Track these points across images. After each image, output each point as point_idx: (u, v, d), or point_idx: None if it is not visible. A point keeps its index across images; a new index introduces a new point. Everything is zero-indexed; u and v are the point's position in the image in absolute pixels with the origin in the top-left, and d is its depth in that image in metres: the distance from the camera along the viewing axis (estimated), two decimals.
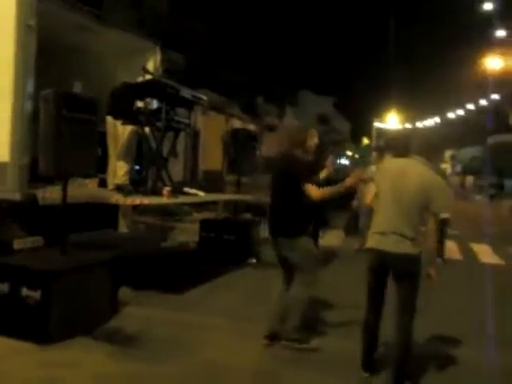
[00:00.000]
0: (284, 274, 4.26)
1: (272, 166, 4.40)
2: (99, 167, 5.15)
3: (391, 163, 3.78)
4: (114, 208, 6.40)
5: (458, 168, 51.74)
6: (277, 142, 4.38)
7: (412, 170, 3.50)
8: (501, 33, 27.83)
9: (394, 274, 3.48)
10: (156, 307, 4.88)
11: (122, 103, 5.71)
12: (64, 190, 4.20)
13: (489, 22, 27.01)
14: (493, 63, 31.30)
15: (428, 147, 3.63)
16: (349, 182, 4.00)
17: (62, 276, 3.93)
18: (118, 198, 5.19)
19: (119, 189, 5.68)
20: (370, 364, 3.63)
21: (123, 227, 7.25)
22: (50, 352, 3.68)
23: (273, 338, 4.09)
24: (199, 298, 5.35)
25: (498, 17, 26.91)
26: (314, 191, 3.95)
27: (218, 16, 23.52)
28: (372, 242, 3.55)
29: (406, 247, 3.39)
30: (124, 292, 4.98)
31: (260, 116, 31.68)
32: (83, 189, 5.91)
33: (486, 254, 9.81)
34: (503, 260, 9.31)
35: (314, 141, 4.21)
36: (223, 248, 7.07)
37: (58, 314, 3.86)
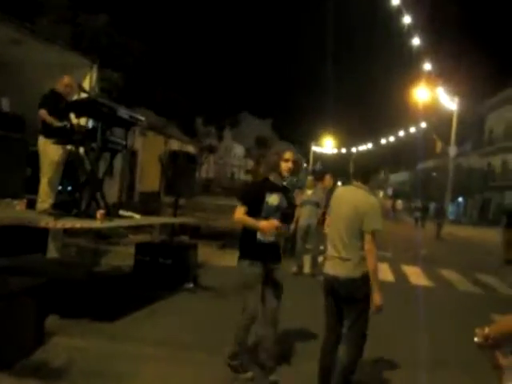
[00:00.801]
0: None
1: None
2: (28, 188, 4.87)
3: (337, 191, 3.93)
4: (44, 231, 6.07)
5: (390, 191, 54.11)
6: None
7: (350, 196, 3.64)
8: (427, 66, 29.62)
9: (341, 298, 3.55)
10: (87, 337, 4.61)
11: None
12: None
13: (418, 54, 28.68)
14: (421, 94, 33.22)
15: (367, 171, 3.72)
16: (263, 227, 3.89)
17: None
18: (47, 221, 4.93)
19: (49, 211, 5.40)
20: None
21: (53, 251, 6.88)
22: None
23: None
24: (133, 326, 5.13)
25: (426, 50, 28.65)
26: (235, 214, 3.96)
27: (159, 35, 23.42)
28: (324, 266, 3.69)
29: (347, 271, 3.48)
30: (52, 321, 4.68)
31: (199, 137, 31.62)
32: (10, 210, 5.57)
33: (416, 276, 10.20)
34: (433, 282, 9.72)
35: (287, 165, 4.01)
36: (159, 272, 6.86)
37: None
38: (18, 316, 3.94)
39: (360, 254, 3.49)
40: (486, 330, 1.82)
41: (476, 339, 1.84)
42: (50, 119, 5.64)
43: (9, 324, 3.83)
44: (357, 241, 3.50)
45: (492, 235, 16.31)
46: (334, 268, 3.56)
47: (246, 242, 4.01)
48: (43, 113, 5.66)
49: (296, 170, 4.07)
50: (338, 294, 3.57)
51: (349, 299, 3.52)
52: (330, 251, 3.64)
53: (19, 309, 3.96)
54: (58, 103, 5.71)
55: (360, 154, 5.23)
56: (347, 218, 3.52)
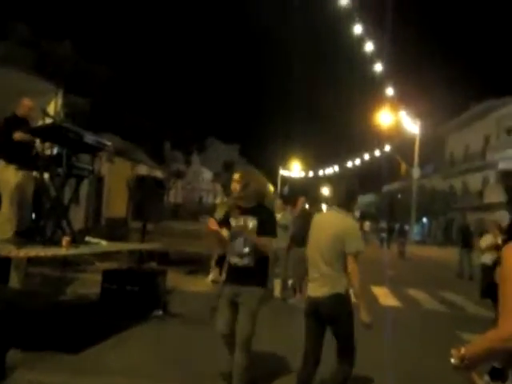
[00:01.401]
0: None
1: None
2: None
3: (316, 217, 4.04)
4: (6, 260, 5.85)
5: (357, 213, 54.87)
6: None
7: (331, 220, 3.77)
8: (390, 91, 30.58)
9: (326, 319, 3.60)
10: (49, 371, 4.42)
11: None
12: None
13: (381, 80, 29.61)
14: (384, 117, 34.18)
15: (350, 196, 3.83)
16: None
17: None
18: (10, 250, 4.76)
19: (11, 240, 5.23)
20: None
21: (15, 282, 6.62)
22: None
23: None
24: (99, 357, 4.95)
25: (387, 75, 29.61)
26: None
27: (125, 60, 23.41)
28: (308, 290, 3.76)
29: (331, 288, 3.56)
30: (13, 355, 4.46)
31: (167, 162, 31.48)
32: None
33: (385, 296, 10.30)
34: (401, 302, 9.83)
35: (234, 185, 4.22)
36: (127, 300, 6.69)
37: None
38: None
39: (342, 274, 3.57)
40: (462, 350, 1.84)
41: (452, 360, 1.85)
42: (29, 137, 5.50)
43: None
44: (339, 263, 3.58)
45: (455, 254, 16.74)
46: (316, 290, 3.64)
47: (223, 264, 4.12)
48: (20, 135, 5.50)
49: (245, 190, 4.06)
50: (322, 315, 3.61)
51: (334, 318, 3.57)
52: (312, 274, 3.71)
53: None
54: (22, 127, 5.59)
55: (338, 179, 5.61)
56: (330, 241, 3.61)
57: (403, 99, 31.79)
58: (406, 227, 28.42)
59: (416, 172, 32.31)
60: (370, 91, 38.19)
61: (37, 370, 4.36)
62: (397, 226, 27.54)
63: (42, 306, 6.82)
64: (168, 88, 31.01)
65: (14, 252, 4.75)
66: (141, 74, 25.97)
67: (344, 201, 3.76)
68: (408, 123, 33.20)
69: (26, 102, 5.88)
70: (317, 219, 3.96)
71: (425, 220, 43.95)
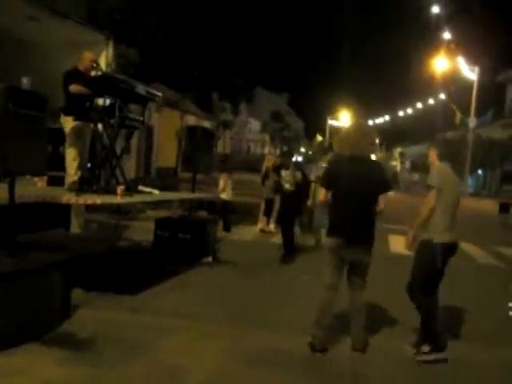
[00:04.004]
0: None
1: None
2: (50, 165, 4.95)
3: (446, 168, 4.25)
4: (66, 207, 6.19)
5: (407, 164, 53.51)
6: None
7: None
8: (447, 35, 28.90)
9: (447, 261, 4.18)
10: (110, 309, 4.75)
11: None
12: (11, 188, 4.01)
13: (437, 24, 27.98)
14: (440, 64, 32.47)
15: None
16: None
17: (10, 279, 3.75)
18: (69, 198, 5.02)
19: (71, 188, 5.50)
20: None
21: (76, 227, 7.02)
22: None
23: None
24: (155, 299, 5.25)
25: (445, 19, 27.92)
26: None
27: (174, 9, 23.14)
28: (449, 236, 4.11)
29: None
30: (77, 294, 4.81)
31: (215, 112, 31.48)
32: (32, 188, 5.68)
33: None
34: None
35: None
36: (178, 247, 6.96)
37: (6, 319, 3.68)
38: (44, 290, 4.06)
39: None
40: None
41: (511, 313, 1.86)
42: (84, 90, 5.67)
43: (36, 298, 3.96)
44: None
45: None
46: (454, 235, 4.16)
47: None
48: (74, 87, 5.68)
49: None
50: (447, 258, 4.13)
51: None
52: (450, 222, 4.11)
53: (46, 283, 4.08)
54: (80, 80, 5.74)
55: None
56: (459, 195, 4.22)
57: (461, 44, 30.00)
58: None
59: (472, 121, 30.86)
60: (425, 36, 36.23)
61: (98, 309, 4.69)
62: None
63: (101, 251, 7.22)
64: (216, 37, 30.55)
65: (73, 199, 5.00)
66: (189, 23, 25.65)
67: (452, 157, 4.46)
68: (465, 69, 31.43)
69: (87, 55, 5.99)
70: (450, 173, 4.19)
71: (480, 172, 42.32)
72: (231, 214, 10.71)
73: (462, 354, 4.28)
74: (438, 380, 3.95)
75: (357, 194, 4.04)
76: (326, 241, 4.19)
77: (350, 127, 4.47)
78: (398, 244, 9.27)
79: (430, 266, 4.08)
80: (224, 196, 10.24)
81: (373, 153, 4.34)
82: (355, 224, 4.05)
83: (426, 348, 4.13)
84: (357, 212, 4.04)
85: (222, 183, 10.28)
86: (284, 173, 8.07)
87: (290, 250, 7.80)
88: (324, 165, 9.40)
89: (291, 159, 8.57)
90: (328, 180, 4.26)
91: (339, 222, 4.11)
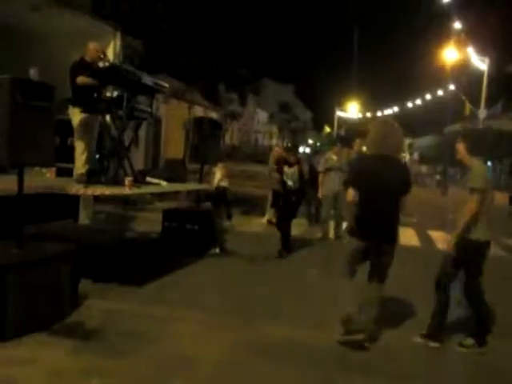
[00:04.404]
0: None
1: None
2: (58, 156, 4.96)
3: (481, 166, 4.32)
4: (75, 198, 6.22)
5: (416, 156, 53.19)
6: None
7: None
8: (457, 25, 28.51)
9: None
10: (118, 300, 4.78)
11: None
12: (20, 180, 4.03)
13: (447, 14, 27.64)
14: (449, 54, 32.10)
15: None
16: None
17: (18, 270, 3.78)
18: (78, 189, 5.04)
19: (79, 180, 5.52)
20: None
21: (84, 218, 7.05)
22: (5, 350, 3.52)
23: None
24: (162, 290, 5.27)
25: (455, 9, 27.57)
26: None
27: (179, 1, 23.03)
28: (489, 233, 4.21)
29: None
30: (85, 285, 4.84)
31: (222, 104, 31.41)
32: (40, 179, 5.71)
33: (443, 240, 10.11)
34: None
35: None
36: (186, 238, 6.99)
37: (15, 309, 3.71)
38: (53, 280, 4.09)
39: None
40: None
41: None
42: (91, 81, 5.67)
43: (46, 287, 3.98)
44: None
45: None
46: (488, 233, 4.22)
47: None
48: (81, 78, 5.68)
49: None
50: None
51: None
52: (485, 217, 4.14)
53: (55, 273, 4.11)
54: (87, 71, 5.74)
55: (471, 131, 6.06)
56: None
57: (471, 34, 29.61)
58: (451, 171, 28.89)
59: (482, 112, 30.53)
60: (434, 26, 35.79)
61: (106, 299, 4.72)
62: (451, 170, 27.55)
63: (109, 242, 7.26)
64: (222, 27, 30.40)
65: (81, 190, 5.02)
66: (195, 15, 25.54)
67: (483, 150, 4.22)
68: (475, 60, 31.06)
69: (92, 46, 5.98)
70: (485, 169, 4.34)
71: (489, 163, 41.98)
72: (230, 202, 10.72)
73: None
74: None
75: (384, 195, 4.01)
76: (350, 240, 4.15)
77: (378, 126, 4.32)
78: (405, 236, 9.25)
79: (482, 264, 4.23)
80: (223, 183, 10.20)
81: (401, 153, 4.23)
82: (382, 225, 4.03)
83: (479, 341, 4.23)
84: (383, 212, 4.01)
85: (219, 173, 10.24)
86: (287, 169, 7.60)
87: (287, 244, 7.47)
88: (334, 156, 9.32)
89: (296, 155, 7.94)
90: (356, 180, 4.20)
91: (366, 223, 4.04)
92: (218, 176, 10.11)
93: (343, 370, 3.72)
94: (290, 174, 7.52)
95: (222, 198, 10.18)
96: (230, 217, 9.92)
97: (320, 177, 9.32)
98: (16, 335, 3.67)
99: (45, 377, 3.24)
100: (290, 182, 7.51)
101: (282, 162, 7.79)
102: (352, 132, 42.70)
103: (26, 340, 3.67)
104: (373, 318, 4.11)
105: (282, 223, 7.62)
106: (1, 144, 3.87)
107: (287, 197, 7.60)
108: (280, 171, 7.83)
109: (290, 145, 12.53)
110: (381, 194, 4.01)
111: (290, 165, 7.57)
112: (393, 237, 4.09)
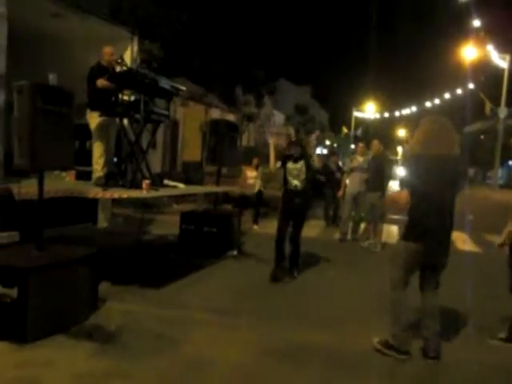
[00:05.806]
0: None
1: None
2: (77, 160, 5.02)
3: None
4: (94, 201, 6.28)
5: None
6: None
7: None
8: (476, 23, 28.10)
9: None
10: (137, 302, 4.81)
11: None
12: (40, 184, 4.08)
13: (466, 12, 27.28)
14: (468, 52, 31.64)
15: None
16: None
17: (39, 272, 3.82)
18: (96, 192, 5.09)
19: (97, 183, 5.58)
20: None
21: (103, 221, 7.12)
22: (26, 352, 3.57)
23: None
24: (180, 292, 5.29)
25: (474, 7, 27.18)
26: None
27: (195, 4, 23.17)
28: None
29: None
30: (104, 287, 4.89)
31: (239, 106, 31.45)
32: (60, 182, 5.79)
33: (462, 241, 9.97)
34: (480, 248, 9.48)
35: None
36: (204, 240, 7.00)
37: (36, 311, 3.75)
38: (73, 282, 4.13)
39: None
40: None
41: None
42: (110, 85, 5.73)
43: (66, 290, 4.03)
44: None
45: None
46: None
47: None
48: (101, 82, 5.75)
49: None
50: None
51: None
52: None
53: (74, 276, 4.15)
54: (104, 75, 5.80)
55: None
56: None
57: (491, 31, 29.13)
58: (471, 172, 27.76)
59: (503, 111, 30.01)
60: (453, 23, 35.34)
61: (125, 302, 4.75)
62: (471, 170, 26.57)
63: (128, 244, 7.31)
64: (238, 29, 30.47)
65: (100, 194, 5.07)
66: (212, 17, 25.66)
67: None
68: (495, 58, 30.56)
69: (107, 50, 6.04)
70: None
71: (511, 163, 41.26)
72: (263, 206, 10.75)
73: None
74: None
75: (443, 197, 3.85)
76: (403, 244, 3.93)
77: (432, 124, 4.00)
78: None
79: None
80: (258, 187, 10.21)
81: (457, 151, 4.02)
82: (442, 228, 3.86)
83: None
84: (442, 215, 3.84)
85: (249, 174, 10.21)
86: (292, 165, 6.17)
87: (296, 260, 6.35)
88: (359, 157, 9.26)
89: (301, 146, 6.37)
90: (413, 182, 3.92)
91: (425, 227, 3.81)
92: (258, 181, 10.11)
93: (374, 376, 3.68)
94: (295, 171, 6.16)
95: (259, 202, 10.20)
96: (256, 221, 9.93)
97: (344, 177, 9.41)
98: (36, 338, 3.71)
99: (66, 379, 3.27)
100: (295, 181, 6.15)
101: (284, 160, 6.31)
102: (369, 132, 42.38)
103: (47, 342, 3.72)
104: (436, 332, 3.91)
105: (293, 235, 6.28)
106: (22, 149, 3.94)
107: (292, 200, 6.16)
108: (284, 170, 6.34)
109: (293, 139, 12.05)
110: (442, 197, 3.84)
111: (295, 160, 6.19)
112: (451, 239, 4.02)
